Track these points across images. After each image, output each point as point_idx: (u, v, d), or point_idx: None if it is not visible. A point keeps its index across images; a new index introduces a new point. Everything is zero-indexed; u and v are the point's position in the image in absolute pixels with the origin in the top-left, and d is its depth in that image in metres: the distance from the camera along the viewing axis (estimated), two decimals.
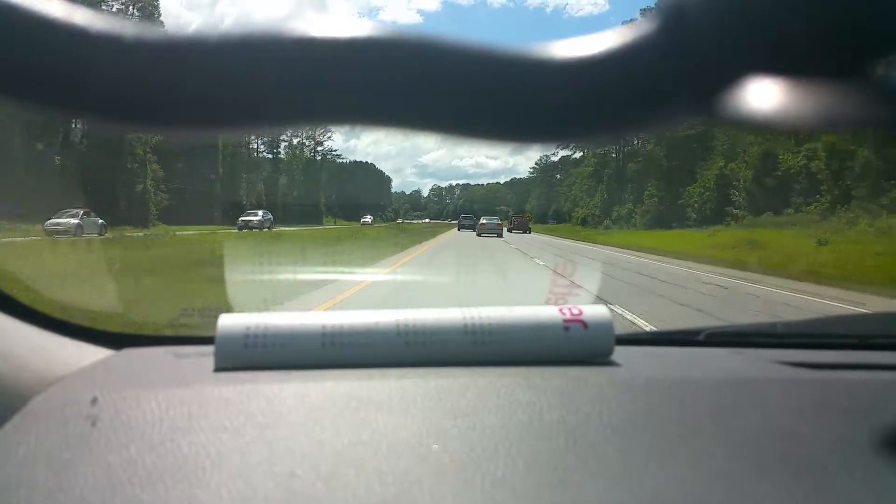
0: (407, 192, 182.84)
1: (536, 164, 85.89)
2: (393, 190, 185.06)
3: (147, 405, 0.52)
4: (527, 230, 36.97)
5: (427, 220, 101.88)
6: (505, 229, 33.48)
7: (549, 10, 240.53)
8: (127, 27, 0.23)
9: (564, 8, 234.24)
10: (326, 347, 0.63)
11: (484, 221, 29.39)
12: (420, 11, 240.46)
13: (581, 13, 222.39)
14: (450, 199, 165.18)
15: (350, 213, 77.02)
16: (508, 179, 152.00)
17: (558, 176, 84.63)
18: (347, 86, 0.23)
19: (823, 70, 0.21)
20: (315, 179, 66.02)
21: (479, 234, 26.60)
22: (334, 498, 0.41)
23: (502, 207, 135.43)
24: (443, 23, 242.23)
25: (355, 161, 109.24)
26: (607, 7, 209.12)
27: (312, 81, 0.23)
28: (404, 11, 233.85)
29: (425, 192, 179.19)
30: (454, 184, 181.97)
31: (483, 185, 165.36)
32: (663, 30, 0.23)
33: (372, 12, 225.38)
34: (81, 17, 0.23)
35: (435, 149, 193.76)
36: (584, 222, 52.32)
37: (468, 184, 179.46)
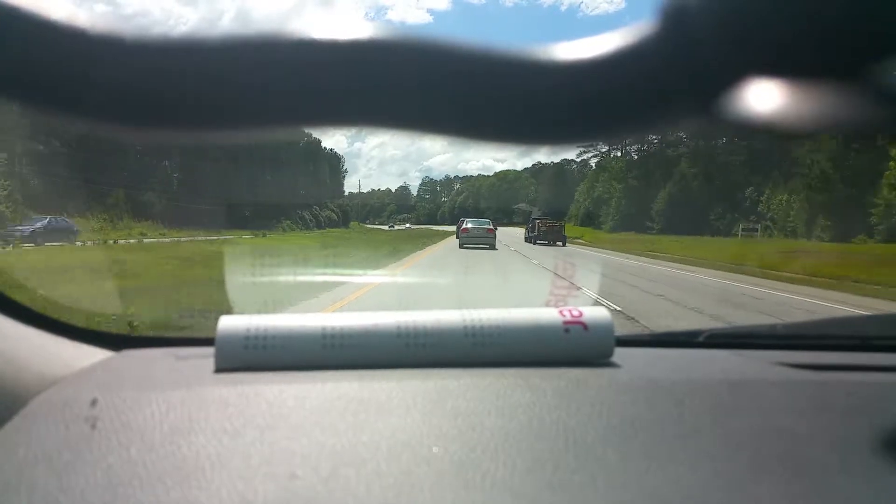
0: (393, 189, 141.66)
1: None
2: (379, 187, 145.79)
3: (147, 406, 0.52)
4: (558, 241, 24.25)
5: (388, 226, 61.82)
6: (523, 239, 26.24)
7: (563, 8, 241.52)
8: (130, 29, 0.23)
9: (579, 6, 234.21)
10: (327, 349, 0.63)
11: (469, 226, 20.85)
12: (430, 11, 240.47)
13: (596, 12, 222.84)
14: (446, 195, 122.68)
15: (241, 215, 35.52)
16: (530, 165, 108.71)
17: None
18: (352, 88, 0.23)
19: (825, 72, 0.21)
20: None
21: (462, 246, 19.09)
22: (334, 499, 0.41)
23: (521, 206, 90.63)
24: (453, 22, 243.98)
25: None
26: (623, 5, 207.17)
27: (317, 83, 0.23)
28: (413, 10, 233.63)
29: (415, 190, 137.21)
30: (452, 176, 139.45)
31: (494, 174, 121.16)
32: (665, 31, 0.22)
33: (380, 11, 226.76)
34: (82, 18, 0.23)
35: (441, 152, 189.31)
36: None
37: (469, 176, 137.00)
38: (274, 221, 42.32)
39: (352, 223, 66.46)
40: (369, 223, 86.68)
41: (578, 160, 66.40)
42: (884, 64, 0.21)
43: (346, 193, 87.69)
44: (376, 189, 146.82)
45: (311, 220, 50.27)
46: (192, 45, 0.23)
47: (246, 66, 0.23)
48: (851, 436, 0.52)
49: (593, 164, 62.72)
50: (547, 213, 35.44)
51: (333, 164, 66.58)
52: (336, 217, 58.52)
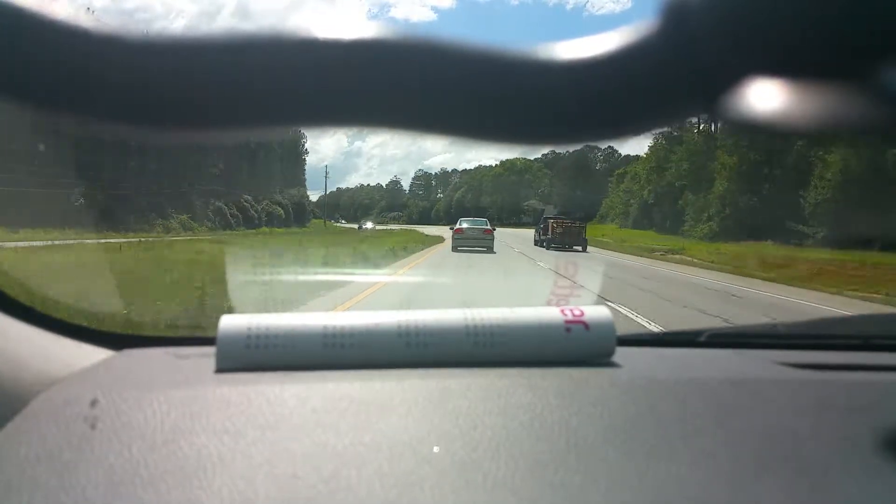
0: (384, 185, 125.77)
1: None
2: (369, 182, 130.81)
3: (148, 406, 0.52)
4: (576, 246, 20.72)
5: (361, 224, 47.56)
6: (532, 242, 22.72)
7: (569, 7, 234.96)
8: (132, 29, 0.23)
9: (585, 5, 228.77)
10: (328, 348, 0.63)
11: (464, 226, 18.75)
12: (434, 8, 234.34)
13: (602, 11, 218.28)
14: (442, 191, 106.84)
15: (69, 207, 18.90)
16: (541, 155, 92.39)
17: None
18: (354, 88, 0.23)
19: (826, 72, 0.21)
20: None
21: (455, 249, 17.22)
22: (336, 499, 0.41)
23: (533, 202, 74.16)
24: (458, 20, 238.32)
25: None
26: (629, 4, 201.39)
27: (319, 83, 0.23)
28: (418, 8, 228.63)
29: (407, 184, 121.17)
30: (449, 169, 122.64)
31: (499, 164, 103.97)
32: (666, 30, 0.22)
33: (383, 8, 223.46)
34: (86, 19, 0.23)
35: (442, 152, 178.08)
36: None
37: (467, 168, 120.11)
38: (154, 216, 26.34)
39: (313, 221, 50.76)
40: (343, 222, 70.77)
41: (603, 146, 51.22)
42: (886, 65, 0.20)
43: (336, 189, 72.28)
44: (365, 185, 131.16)
45: (235, 217, 34.41)
46: (191, 44, 0.23)
47: (246, 66, 0.23)
48: (853, 435, 0.51)
49: (622, 153, 47.07)
50: (565, 212, 27.68)
51: (288, 145, 50.61)
52: (282, 213, 42.73)
